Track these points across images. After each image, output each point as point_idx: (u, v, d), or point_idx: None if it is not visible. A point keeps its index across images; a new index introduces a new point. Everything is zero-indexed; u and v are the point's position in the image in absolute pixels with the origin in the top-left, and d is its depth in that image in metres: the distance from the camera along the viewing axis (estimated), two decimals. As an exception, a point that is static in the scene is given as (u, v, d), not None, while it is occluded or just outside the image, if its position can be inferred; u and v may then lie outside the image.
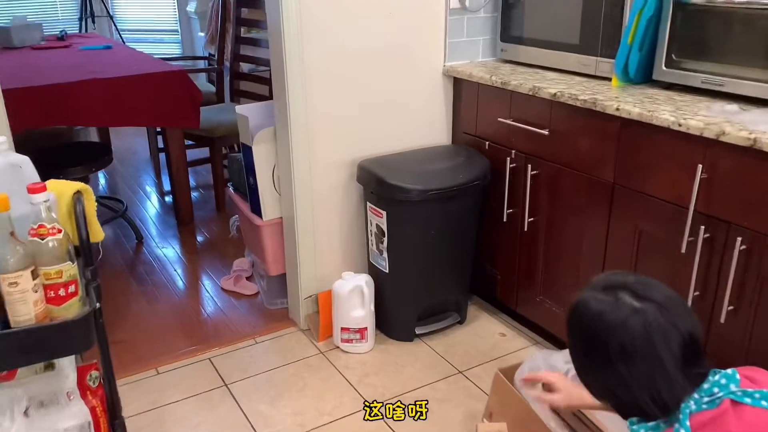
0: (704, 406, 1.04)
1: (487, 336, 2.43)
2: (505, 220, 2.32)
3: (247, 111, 2.44)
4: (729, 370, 1.07)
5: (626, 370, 1.05)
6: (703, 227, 1.66)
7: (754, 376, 1.07)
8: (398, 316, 2.39)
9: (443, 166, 2.27)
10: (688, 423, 1.03)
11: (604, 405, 1.18)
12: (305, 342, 2.42)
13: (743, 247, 1.59)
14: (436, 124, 2.53)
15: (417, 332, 2.39)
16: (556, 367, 1.84)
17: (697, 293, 1.73)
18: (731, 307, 1.65)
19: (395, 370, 2.25)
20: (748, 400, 1.02)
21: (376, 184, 2.21)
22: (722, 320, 1.66)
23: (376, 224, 2.28)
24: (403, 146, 2.46)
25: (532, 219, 2.23)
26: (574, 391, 1.44)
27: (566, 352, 1.84)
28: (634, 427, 1.10)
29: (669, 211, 1.76)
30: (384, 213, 2.23)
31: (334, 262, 2.49)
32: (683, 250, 1.71)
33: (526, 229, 2.24)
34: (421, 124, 2.49)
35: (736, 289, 1.63)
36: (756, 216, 1.56)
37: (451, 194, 2.18)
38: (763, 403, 1.01)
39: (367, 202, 2.32)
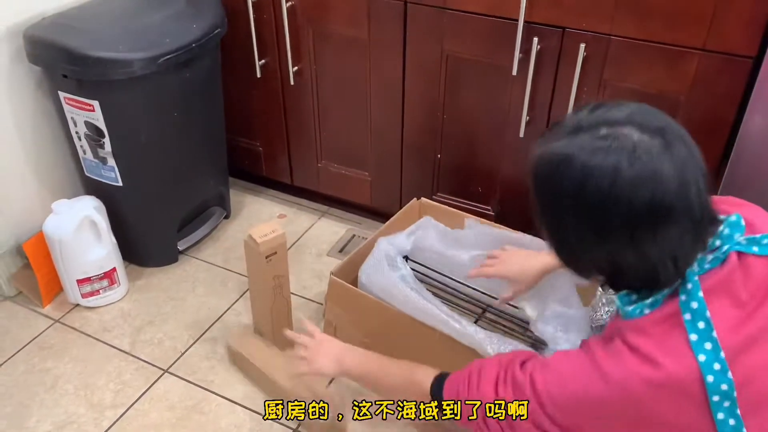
0: (707, 266, 0.80)
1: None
2: (259, 75, 1.76)
3: None
4: (733, 216, 0.83)
5: (650, 234, 0.74)
6: (536, 39, 1.38)
7: (753, 219, 0.86)
8: (152, 238, 1.75)
9: (161, 17, 1.55)
10: (700, 293, 0.78)
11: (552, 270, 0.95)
12: (23, 314, 1.65)
13: (585, 54, 1.36)
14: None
15: (180, 249, 1.80)
16: (404, 248, 1.51)
17: (528, 118, 1.50)
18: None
19: (174, 307, 1.67)
20: (755, 249, 0.81)
21: (69, 61, 1.42)
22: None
23: (86, 122, 1.52)
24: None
25: (297, 67, 1.71)
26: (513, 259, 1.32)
27: (422, 232, 1.49)
28: (629, 308, 0.82)
29: (488, 26, 1.43)
30: (95, 104, 1.48)
31: (27, 192, 1.66)
32: (515, 72, 1.43)
33: (292, 82, 1.73)
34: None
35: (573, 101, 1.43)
36: (595, 14, 1.32)
37: (189, 56, 1.52)
38: None
39: (60, 93, 1.51)
